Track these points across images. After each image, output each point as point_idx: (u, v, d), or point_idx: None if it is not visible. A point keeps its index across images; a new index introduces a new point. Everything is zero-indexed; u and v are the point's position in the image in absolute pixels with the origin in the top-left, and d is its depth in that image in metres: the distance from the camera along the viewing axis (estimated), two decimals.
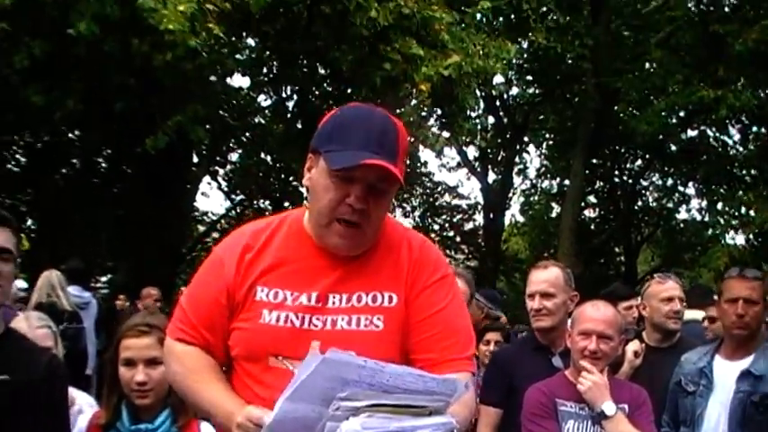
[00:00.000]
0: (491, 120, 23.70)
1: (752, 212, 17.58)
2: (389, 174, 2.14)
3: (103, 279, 20.80)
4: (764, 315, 3.92)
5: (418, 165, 23.72)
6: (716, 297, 4.17)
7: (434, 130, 15.24)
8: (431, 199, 26.39)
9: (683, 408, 3.91)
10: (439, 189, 26.36)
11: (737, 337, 3.85)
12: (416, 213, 26.24)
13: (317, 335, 2.18)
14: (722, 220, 20.16)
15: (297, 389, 1.69)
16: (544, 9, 17.78)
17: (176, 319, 2.35)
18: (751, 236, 18.07)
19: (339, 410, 1.67)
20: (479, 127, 21.21)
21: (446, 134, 16.16)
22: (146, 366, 2.87)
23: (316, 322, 2.21)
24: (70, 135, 17.12)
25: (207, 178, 21.23)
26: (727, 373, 3.84)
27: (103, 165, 19.20)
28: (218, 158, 20.39)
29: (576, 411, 3.52)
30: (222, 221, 22.97)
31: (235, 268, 2.27)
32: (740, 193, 19.63)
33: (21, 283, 10.33)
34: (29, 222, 19.34)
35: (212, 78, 13.14)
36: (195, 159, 19.25)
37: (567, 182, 22.57)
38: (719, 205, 21.26)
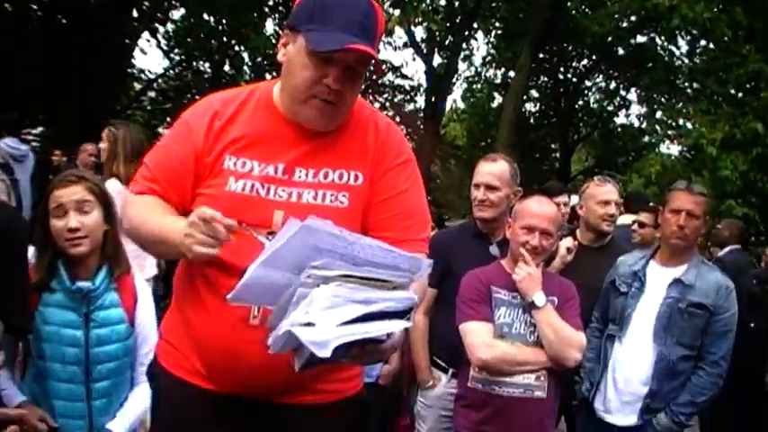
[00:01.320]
0: (442, 2, 23.32)
1: (689, 125, 17.87)
2: (369, 57, 2.16)
3: (35, 131, 20.31)
4: (701, 230, 4.06)
5: None
6: (652, 204, 4.27)
7: (386, 7, 14.92)
8: (374, 76, 26.10)
9: (614, 306, 4.07)
10: (383, 67, 26.04)
11: (674, 247, 3.98)
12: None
13: (282, 205, 2.21)
14: (659, 129, 20.53)
15: (271, 255, 1.72)
16: None
17: (140, 177, 2.35)
18: (685, 148, 18.40)
19: (310, 278, 1.71)
20: (430, 9, 20.83)
21: (397, 12, 15.86)
22: (77, 213, 2.84)
23: (281, 193, 2.23)
24: None
25: (146, 35, 20.63)
26: (659, 278, 3.99)
27: (38, 12, 18.44)
28: (159, 15, 19.75)
29: (509, 299, 3.63)
30: (160, 80, 22.48)
31: (204, 134, 2.27)
32: (680, 105, 19.90)
33: None
34: None
35: None
36: (135, 14, 18.65)
37: (511, 73, 22.52)
38: (658, 114, 21.65)
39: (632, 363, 3.94)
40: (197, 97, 2.59)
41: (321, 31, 2.13)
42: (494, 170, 4.19)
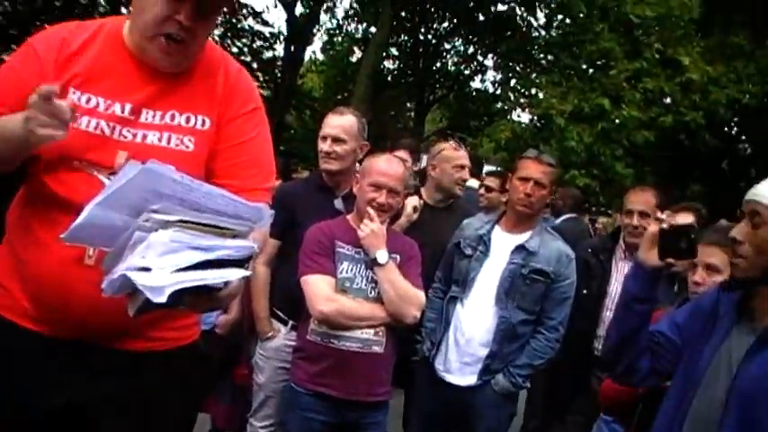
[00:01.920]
0: None
1: (541, 95, 18.42)
2: None
3: None
4: (547, 199, 4.18)
5: None
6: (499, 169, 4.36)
7: None
8: (233, 20, 25.48)
9: (458, 268, 4.13)
10: (243, 11, 25.45)
11: (519, 214, 4.08)
12: (217, 33, 25.33)
13: (126, 146, 2.15)
14: (512, 97, 21.04)
15: (109, 195, 1.66)
16: None
17: None
18: (535, 117, 18.97)
19: (149, 222, 1.66)
20: None
21: None
22: None
23: (126, 134, 2.16)
24: None
25: None
26: (503, 243, 4.08)
27: None
28: None
29: (352, 254, 3.66)
30: (6, 3, 21.17)
31: (50, 61, 2.16)
32: (534, 75, 20.44)
33: None
34: None
35: None
36: None
37: (373, 29, 22.54)
38: (513, 82, 22.14)
39: (473, 324, 4.03)
40: (45, 26, 2.44)
41: None
42: (341, 123, 4.20)
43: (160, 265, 1.63)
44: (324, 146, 4.18)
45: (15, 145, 1.99)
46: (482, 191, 6.27)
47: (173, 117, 2.22)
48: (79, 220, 1.70)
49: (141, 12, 2.15)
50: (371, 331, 3.62)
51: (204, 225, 1.71)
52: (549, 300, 4.01)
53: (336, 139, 4.16)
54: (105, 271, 1.73)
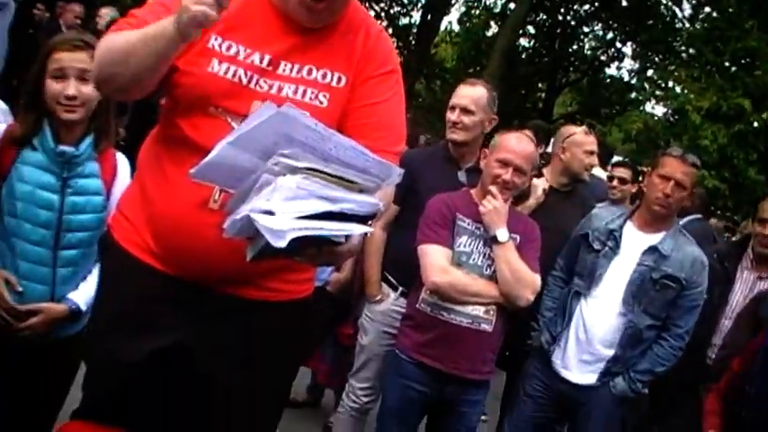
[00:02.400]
0: None
1: (678, 89, 17.81)
2: None
3: None
4: (685, 201, 4.00)
5: None
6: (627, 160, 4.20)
7: None
8: None
9: (584, 261, 3.98)
10: None
11: (655, 213, 3.90)
12: None
13: (262, 96, 2.14)
14: (648, 88, 20.45)
15: (242, 135, 1.66)
16: None
17: (122, 21, 2.21)
18: (669, 111, 18.39)
19: (277, 166, 1.65)
20: None
21: None
22: (77, 81, 2.71)
23: (262, 84, 2.17)
24: None
25: None
26: (635, 242, 3.92)
27: None
28: None
29: (471, 229, 3.62)
30: None
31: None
32: (673, 67, 19.77)
33: None
34: None
35: None
36: None
37: (512, 5, 22.23)
38: (650, 72, 21.51)
39: (597, 323, 3.90)
40: None
41: None
42: (472, 94, 4.16)
43: (284, 209, 1.61)
44: (452, 115, 4.15)
45: (160, 46, 1.99)
46: (615, 182, 6.10)
47: (310, 71, 2.21)
48: (209, 157, 1.71)
49: None
50: (482, 309, 3.57)
51: (332, 176, 1.68)
52: (678, 307, 3.84)
53: (465, 110, 4.11)
54: (228, 213, 1.74)
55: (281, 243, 1.59)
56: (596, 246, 3.95)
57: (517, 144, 3.67)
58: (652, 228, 3.93)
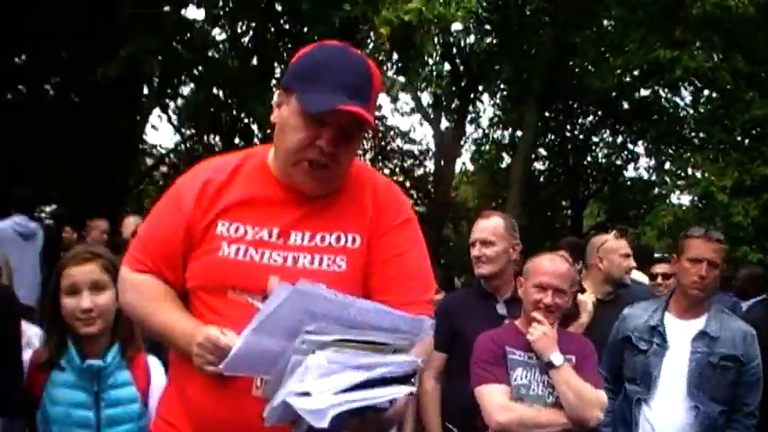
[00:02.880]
0: (447, 67, 23.54)
1: (698, 174, 17.84)
2: (362, 119, 2.10)
3: (48, 209, 20.43)
4: (718, 278, 3.94)
5: None
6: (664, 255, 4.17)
7: (390, 74, 15.07)
8: (383, 143, 26.25)
9: (633, 365, 3.91)
10: (391, 133, 26.20)
11: (694, 298, 3.86)
12: (368, 156, 26.10)
13: (277, 270, 2.15)
14: (669, 180, 20.42)
15: (263, 321, 1.66)
16: None
17: (133, 250, 2.30)
18: (696, 197, 18.35)
19: (305, 344, 1.64)
20: (435, 74, 21.04)
21: (402, 79, 16.02)
22: (90, 292, 2.77)
23: (276, 257, 2.17)
24: (16, 60, 16.63)
25: (157, 111, 20.85)
26: (680, 332, 3.86)
27: (51, 92, 18.73)
28: (169, 91, 19.98)
29: (524, 360, 3.57)
30: (171, 155, 22.64)
31: (194, 202, 2.23)
32: (688, 154, 19.86)
33: None
34: None
35: (166, 9, 12.86)
36: (146, 91, 18.88)
37: (519, 133, 22.62)
38: (667, 165, 21.52)
39: (668, 425, 3.80)
40: None
41: (313, 92, 2.09)
42: (488, 225, 4.21)
43: (320, 388, 1.59)
44: (474, 251, 4.19)
45: (177, 349, 2.18)
46: (659, 279, 6.06)
47: (323, 238, 2.21)
48: (235, 349, 1.72)
49: (283, 138, 2.19)
50: None
51: (362, 342, 1.66)
52: (741, 384, 3.77)
53: (485, 242, 4.16)
54: (267, 399, 1.72)
55: (323, 423, 1.56)
56: (642, 346, 3.88)
57: (550, 265, 3.66)
58: (692, 313, 3.88)
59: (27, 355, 2.86)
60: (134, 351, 2.91)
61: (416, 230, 2.38)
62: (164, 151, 22.96)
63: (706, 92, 19.80)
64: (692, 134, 20.69)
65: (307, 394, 1.60)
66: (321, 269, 2.18)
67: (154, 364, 2.98)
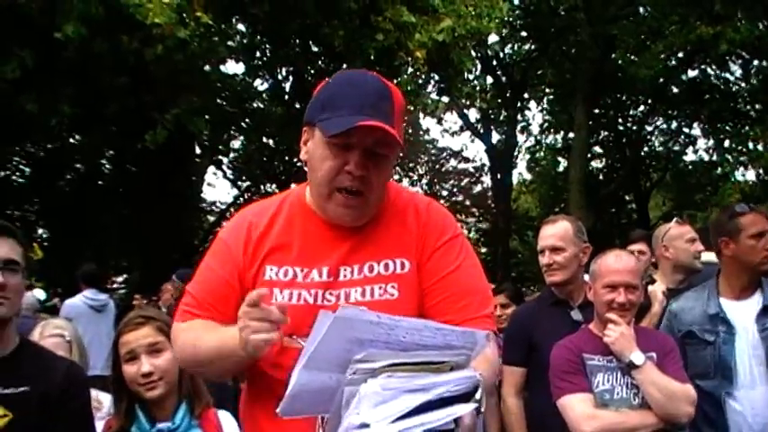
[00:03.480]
0: (489, 80, 23.54)
1: (759, 147, 17.45)
2: (387, 136, 2.07)
3: (119, 279, 20.87)
4: None
5: (421, 132, 23.62)
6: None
7: (433, 96, 15.11)
8: (437, 165, 26.32)
9: (703, 360, 3.71)
10: (444, 155, 26.30)
11: (758, 275, 3.74)
12: (423, 181, 26.21)
13: (332, 309, 2.10)
14: (730, 158, 20.04)
15: (311, 356, 1.61)
16: None
17: (184, 304, 2.26)
18: (761, 170, 17.95)
19: (356, 374, 1.58)
20: (478, 88, 21.00)
21: (445, 99, 16.07)
22: (148, 356, 2.76)
23: (329, 297, 2.14)
24: (71, 140, 17.11)
25: (211, 168, 21.26)
26: (741, 314, 3.72)
27: (107, 166, 19.21)
28: (220, 147, 20.33)
29: (604, 364, 3.46)
30: (231, 209, 22.99)
31: (242, 248, 2.21)
32: (746, 128, 19.47)
33: (39, 293, 10.34)
34: (39, 231, 19.38)
35: (207, 68, 13.10)
36: (198, 151, 19.24)
37: (571, 135, 22.43)
38: (726, 143, 21.15)
39: (756, 413, 3.63)
40: None
41: (333, 117, 2.07)
42: (555, 231, 4.09)
43: (377, 417, 1.52)
44: (543, 259, 4.08)
45: (231, 359, 2.04)
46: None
47: (371, 268, 2.17)
48: (289, 390, 1.64)
49: (314, 171, 2.17)
50: None
51: (415, 363, 1.59)
52: None
53: (554, 249, 4.03)
54: None
55: None
56: (709, 338, 3.73)
57: (617, 262, 3.55)
58: (747, 292, 3.75)
59: (100, 426, 2.87)
60: (202, 408, 2.88)
61: (465, 245, 2.32)
62: (223, 206, 23.33)
63: (755, 62, 19.40)
64: (748, 107, 20.31)
65: (365, 426, 1.52)
66: (374, 299, 2.14)
67: (225, 417, 2.95)
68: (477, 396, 1.64)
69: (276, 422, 2.02)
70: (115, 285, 18.52)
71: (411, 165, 24.68)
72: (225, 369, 2.12)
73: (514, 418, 4.02)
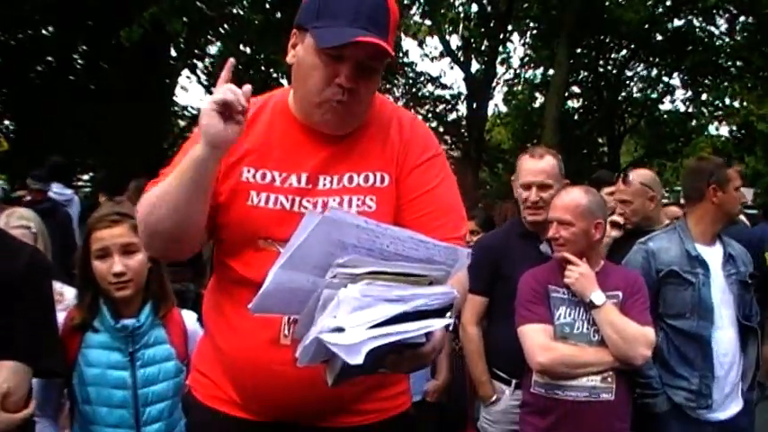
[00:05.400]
0: (474, 8, 23.20)
1: (736, 104, 17.51)
2: (380, 51, 2.02)
3: (85, 177, 20.64)
4: None
5: (400, 55, 23.29)
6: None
7: (416, 18, 14.87)
8: (413, 89, 26.03)
9: (681, 300, 3.76)
10: (421, 79, 25.97)
11: (728, 223, 3.99)
12: (399, 104, 25.95)
13: None
14: (706, 112, 20.11)
15: (292, 255, 1.59)
16: None
17: (153, 181, 2.17)
18: (734, 127, 18.04)
19: (336, 278, 1.57)
20: (462, 15, 20.71)
21: (428, 22, 15.81)
22: (122, 256, 2.74)
23: (306, 204, 2.12)
24: (44, 32, 16.71)
25: (185, 72, 20.86)
26: (711, 258, 3.85)
27: (79, 61, 18.81)
28: (196, 51, 19.95)
29: (568, 297, 3.47)
30: None
31: None
32: (725, 84, 19.47)
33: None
34: (5, 122, 19.03)
35: None
36: (173, 53, 18.88)
37: (551, 72, 22.29)
38: (704, 96, 21.18)
39: (727, 353, 3.80)
40: None
41: (328, 26, 2.01)
42: (543, 167, 3.92)
43: (353, 322, 1.51)
44: (528, 194, 3.90)
45: (198, 170, 1.95)
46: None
47: (350, 179, 2.16)
48: (264, 287, 1.63)
49: (302, 78, 2.13)
50: (598, 378, 3.38)
51: (396, 274, 1.59)
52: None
53: (542, 186, 3.88)
54: (298, 339, 1.64)
55: (358, 359, 1.49)
56: (691, 278, 3.77)
57: (532, 163, 3.88)
58: (715, 239, 3.93)
59: (61, 317, 2.83)
60: (167, 308, 2.89)
61: (445, 165, 2.31)
62: (195, 112, 22.96)
63: (742, 18, 19.30)
64: (729, 63, 20.27)
65: (340, 330, 1.52)
66: (351, 210, 2.13)
67: (188, 317, 2.97)
68: (451, 314, 1.65)
69: (242, 318, 2.03)
70: (80, 183, 18.27)
71: (388, 86, 24.40)
72: (183, 198, 1.97)
73: (474, 346, 4.01)
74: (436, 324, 1.62)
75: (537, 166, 3.94)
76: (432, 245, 1.65)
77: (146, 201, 2.07)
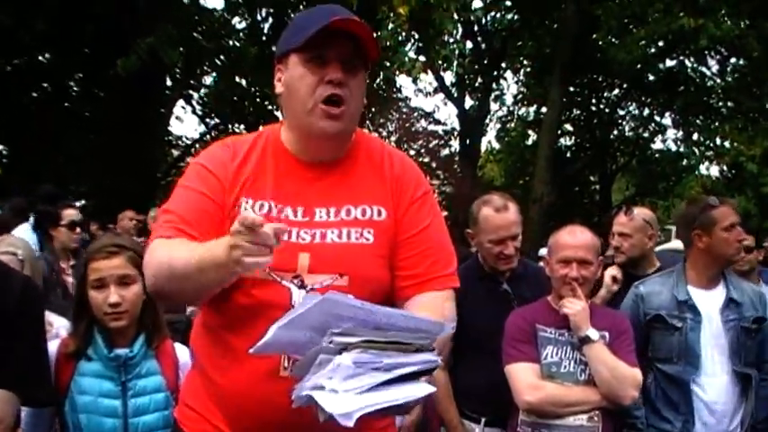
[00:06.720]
0: (469, 45, 23.39)
1: (726, 144, 17.64)
2: (363, 43, 2.14)
3: (77, 205, 20.60)
4: None
5: (394, 90, 23.43)
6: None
7: (411, 54, 14.98)
8: (407, 124, 26.19)
9: (668, 345, 3.79)
10: (415, 114, 26.16)
11: (726, 266, 3.87)
12: (392, 139, 26.06)
13: (306, 247, 2.15)
14: (697, 151, 20.22)
15: (292, 320, 1.70)
16: None
17: (165, 222, 2.20)
18: (724, 167, 18.16)
19: (332, 344, 1.69)
20: (457, 52, 20.90)
21: (423, 59, 15.92)
22: (117, 287, 2.77)
23: (304, 235, 2.16)
24: (40, 58, 16.78)
25: (181, 102, 20.97)
26: (707, 303, 3.80)
27: (75, 89, 18.87)
28: (191, 82, 20.07)
29: (555, 337, 3.51)
30: (197, 146, 22.72)
31: (223, 171, 2.22)
32: (716, 124, 19.62)
33: None
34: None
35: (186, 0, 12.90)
36: (169, 83, 18.97)
37: (544, 109, 22.44)
38: (695, 136, 21.30)
39: (717, 399, 3.75)
40: None
41: (305, 32, 2.12)
42: (514, 219, 3.90)
43: (346, 387, 1.65)
44: (504, 249, 3.87)
45: (214, 275, 1.96)
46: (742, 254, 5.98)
47: (348, 212, 2.22)
48: (265, 338, 1.72)
49: (293, 95, 2.20)
50: (585, 417, 3.41)
51: (387, 342, 1.72)
52: (765, 343, 3.82)
53: (515, 237, 3.89)
54: (295, 379, 1.76)
55: (349, 423, 1.62)
56: (677, 323, 3.77)
57: (571, 237, 3.59)
58: (713, 282, 3.85)
59: (54, 346, 2.85)
60: (160, 340, 2.92)
61: (434, 203, 2.40)
62: (189, 142, 23.03)
63: (733, 60, 19.51)
64: (720, 104, 20.44)
65: (334, 392, 1.65)
66: (350, 242, 2.18)
67: (181, 350, 2.98)
68: (431, 378, 1.85)
69: (240, 350, 2.06)
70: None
71: (382, 121, 24.54)
72: (199, 285, 2.02)
73: (444, 390, 3.90)
74: (423, 391, 1.77)
75: (507, 218, 3.90)
76: (421, 320, 1.80)
77: (159, 266, 2.10)
